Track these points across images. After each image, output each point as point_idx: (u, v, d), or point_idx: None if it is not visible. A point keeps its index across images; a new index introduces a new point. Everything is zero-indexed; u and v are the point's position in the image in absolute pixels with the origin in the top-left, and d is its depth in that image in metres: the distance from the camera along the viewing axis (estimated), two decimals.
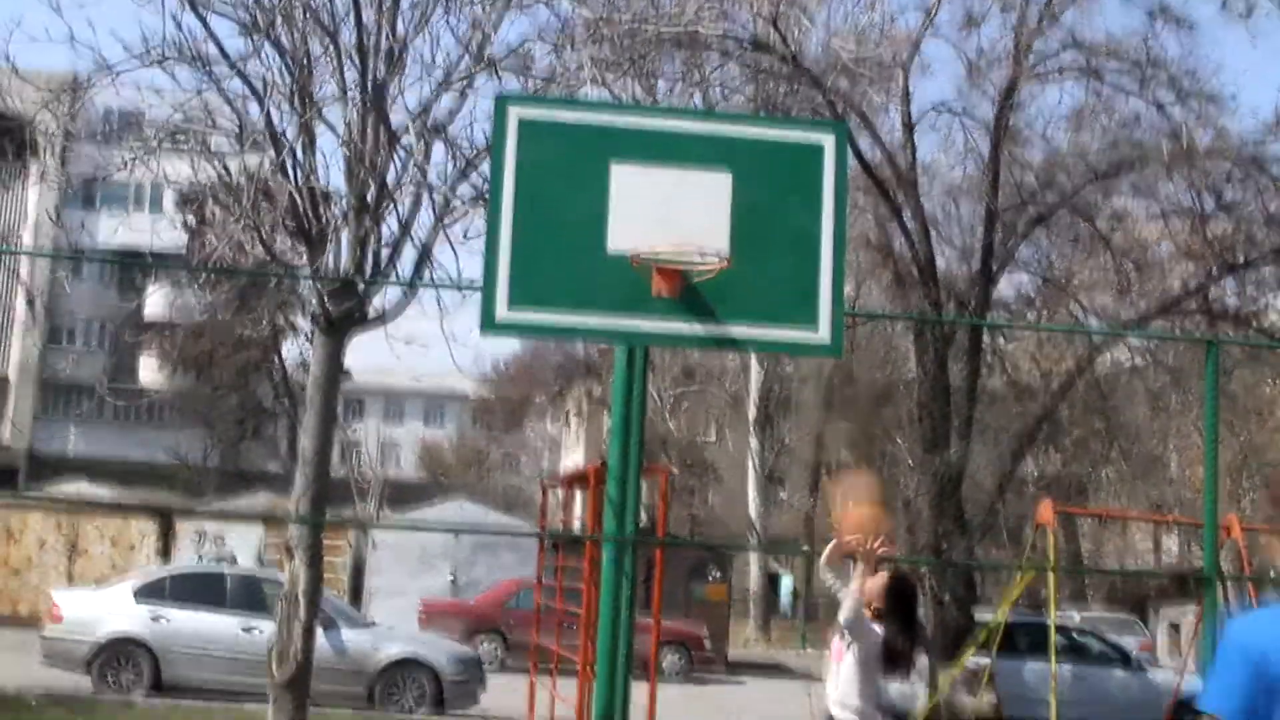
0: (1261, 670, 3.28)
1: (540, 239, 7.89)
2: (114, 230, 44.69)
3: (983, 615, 17.23)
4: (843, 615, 7.45)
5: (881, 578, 7.56)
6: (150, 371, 54.33)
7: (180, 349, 48.53)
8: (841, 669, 7.52)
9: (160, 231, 28.68)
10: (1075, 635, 20.81)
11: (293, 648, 12.26)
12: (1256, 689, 3.28)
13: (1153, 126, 18.87)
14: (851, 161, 16.98)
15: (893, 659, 7.47)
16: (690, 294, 7.81)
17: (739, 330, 8.06)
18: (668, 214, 7.77)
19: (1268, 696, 3.25)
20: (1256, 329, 19.95)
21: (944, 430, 17.52)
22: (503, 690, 17.83)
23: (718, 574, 31.15)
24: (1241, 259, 18.96)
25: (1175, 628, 38.58)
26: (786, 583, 54.31)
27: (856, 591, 7.38)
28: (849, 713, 7.47)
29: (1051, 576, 13.68)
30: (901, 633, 7.51)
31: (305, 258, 12.26)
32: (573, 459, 59.45)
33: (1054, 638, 13.20)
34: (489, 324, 7.80)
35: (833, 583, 7.79)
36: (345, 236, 12.30)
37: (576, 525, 24.62)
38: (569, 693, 11.50)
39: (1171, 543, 48.00)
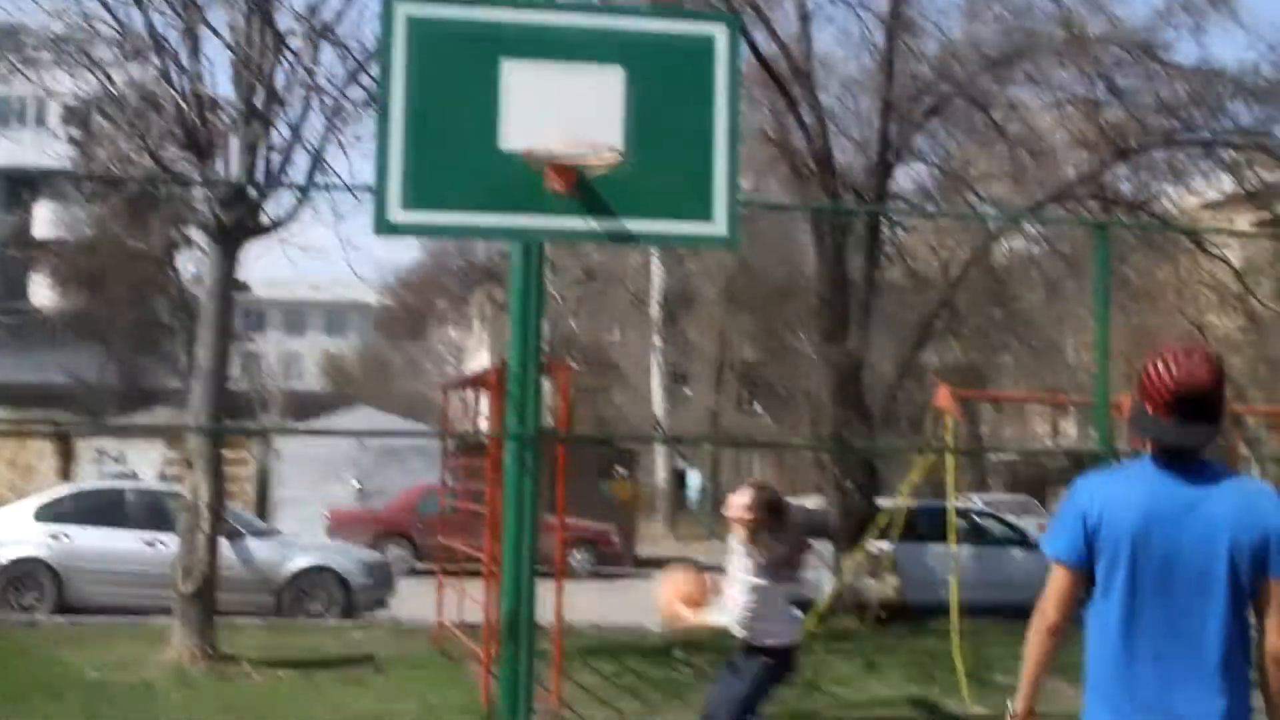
0: (1086, 522, 4.09)
1: (432, 139, 7.81)
2: None
3: (885, 503, 17.50)
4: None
5: (748, 494, 7.63)
6: (42, 291, 53.21)
7: (71, 266, 47.52)
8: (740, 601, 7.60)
9: (46, 146, 28.00)
10: (975, 518, 21.22)
11: (197, 559, 12.22)
12: (1084, 538, 4.09)
13: (1045, 14, 18.95)
14: (747, 55, 16.89)
15: (784, 568, 7.55)
16: (585, 190, 7.77)
17: (635, 225, 8.04)
18: (560, 111, 7.71)
19: (1090, 544, 4.08)
20: (1149, 215, 20.24)
21: (843, 321, 17.65)
22: (412, 594, 17.90)
23: (624, 472, 31.36)
24: (1134, 145, 19.17)
25: None
26: (694, 478, 54.80)
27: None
28: (763, 624, 7.57)
29: (950, 460, 13.90)
30: (783, 541, 7.58)
31: (195, 167, 12.06)
32: (477, 364, 59.29)
33: (954, 521, 13.45)
34: (383, 226, 7.72)
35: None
36: (235, 143, 12.11)
37: (483, 427, 24.60)
38: (478, 594, 11.57)
39: (1069, 427, 49.04)
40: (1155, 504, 4.04)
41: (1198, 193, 25.44)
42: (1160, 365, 4.11)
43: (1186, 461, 4.08)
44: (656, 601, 7.75)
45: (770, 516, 7.54)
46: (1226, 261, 23.83)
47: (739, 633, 7.53)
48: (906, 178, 21.25)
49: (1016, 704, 4.38)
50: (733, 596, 7.49)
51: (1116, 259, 20.09)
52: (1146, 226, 19.65)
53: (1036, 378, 36.14)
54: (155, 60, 12.04)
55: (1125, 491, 4.10)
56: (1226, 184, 24.52)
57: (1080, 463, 41.42)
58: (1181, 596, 4.01)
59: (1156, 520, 4.02)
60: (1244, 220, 32.10)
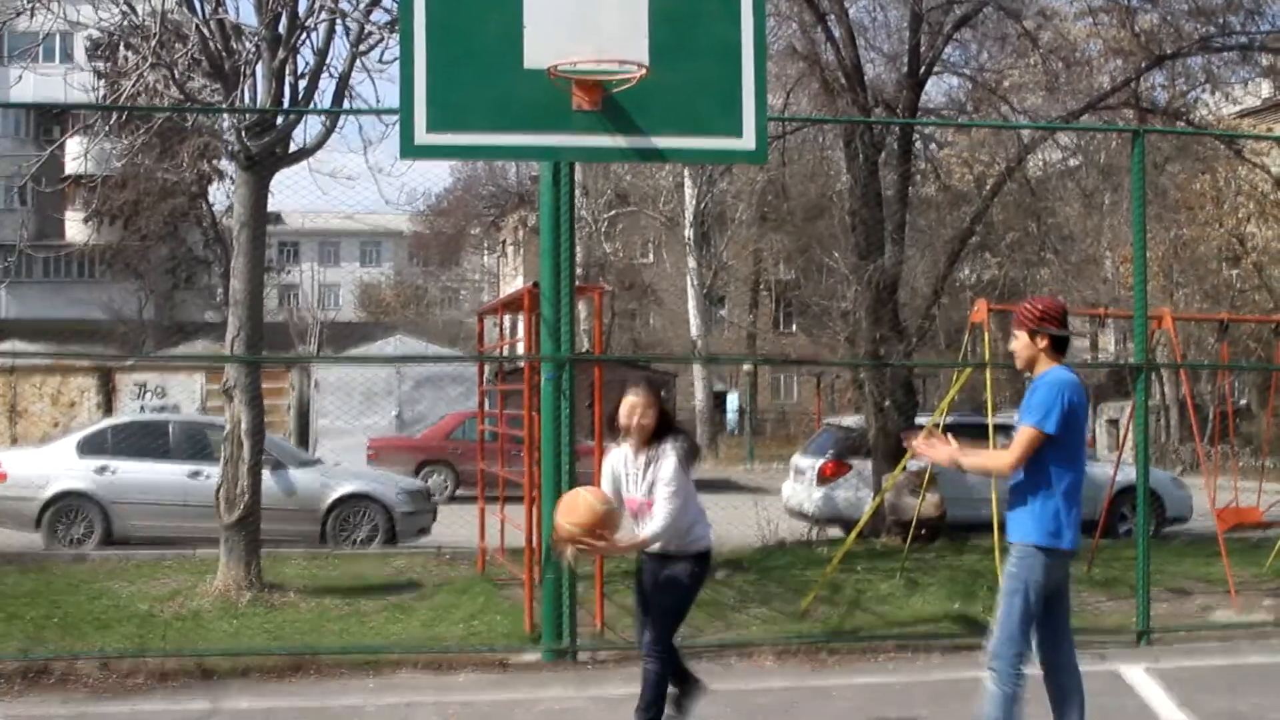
0: (1066, 408, 6.51)
1: (455, 60, 7.73)
2: (19, 78, 43.56)
3: (924, 420, 17.43)
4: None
5: (638, 393, 7.27)
6: (76, 226, 53.43)
7: (104, 201, 47.71)
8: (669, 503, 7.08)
9: (72, 80, 27.97)
10: (1014, 434, 21.08)
11: (239, 488, 12.29)
12: (1066, 416, 6.52)
13: None
14: None
15: (694, 459, 7.25)
16: (611, 106, 7.70)
17: (662, 141, 7.96)
18: (584, 24, 7.62)
19: (1070, 420, 6.53)
20: (1186, 123, 19.94)
21: (877, 237, 17.49)
22: (453, 520, 18.00)
23: (662, 394, 31.38)
24: (1169, 52, 18.83)
25: (1114, 423, 39.35)
26: (732, 400, 54.84)
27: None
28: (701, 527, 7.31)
29: (988, 374, 13.80)
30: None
31: (221, 95, 12.00)
32: (511, 290, 59.32)
33: (993, 436, 13.37)
34: (408, 149, 7.68)
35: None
36: (260, 70, 12.04)
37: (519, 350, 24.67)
38: (520, 518, 11.62)
39: (1108, 341, 48.70)
40: (1079, 392, 6.58)
41: (1236, 100, 25.07)
42: (1045, 303, 6.76)
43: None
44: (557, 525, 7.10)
45: (662, 405, 7.27)
46: (1265, 170, 23.50)
47: (672, 543, 7.14)
48: (939, 91, 20.95)
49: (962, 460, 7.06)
50: (664, 506, 7.02)
51: (1153, 168, 19.84)
52: (1181, 131, 19.34)
53: (1074, 292, 35.87)
54: None
55: (1074, 384, 6.57)
56: (1265, 90, 24.16)
57: (1121, 380, 41.21)
58: (1082, 450, 6.66)
59: (1081, 403, 6.58)
60: None
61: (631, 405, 7.16)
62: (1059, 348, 6.70)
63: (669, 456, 7.09)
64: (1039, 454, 6.55)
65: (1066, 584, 6.79)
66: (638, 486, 7.15)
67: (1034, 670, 6.74)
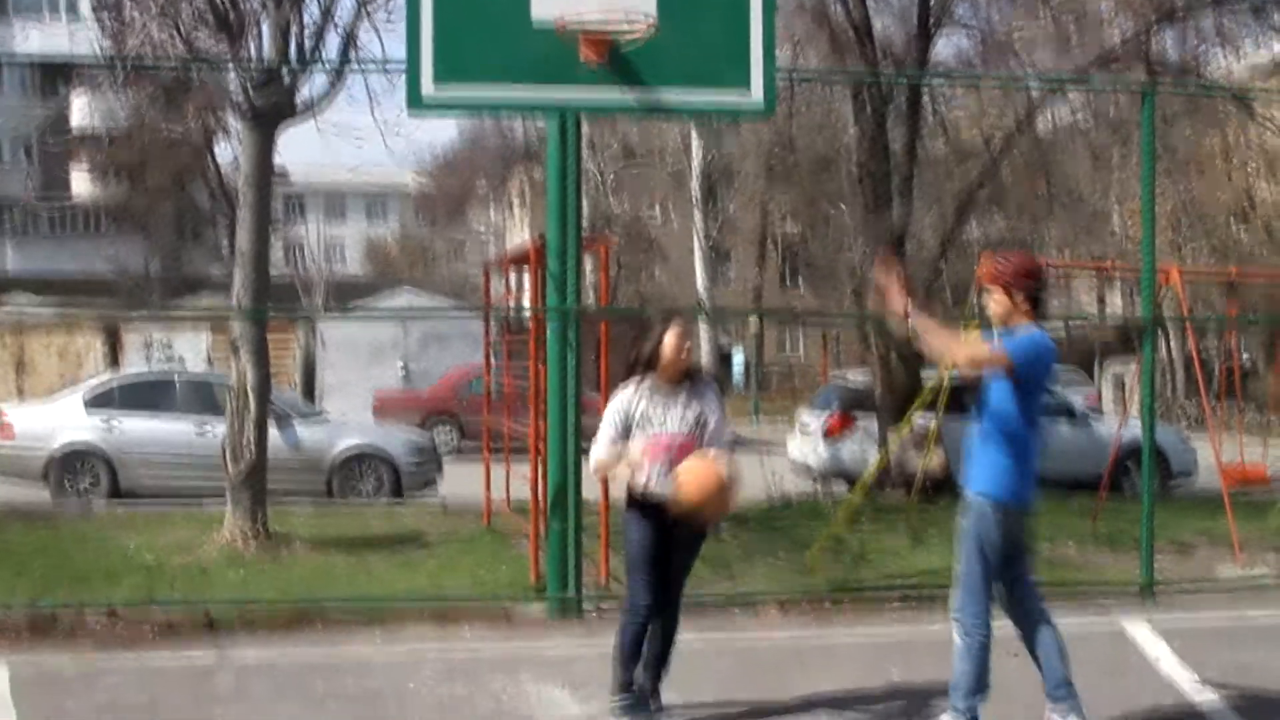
0: (1041, 361, 6.55)
1: (463, 12, 7.72)
2: (26, 36, 43.49)
3: (930, 376, 17.42)
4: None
5: (678, 329, 6.97)
6: (82, 182, 53.31)
7: (110, 156, 47.56)
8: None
9: (77, 36, 27.95)
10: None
11: (245, 442, 12.33)
12: (1036, 368, 6.53)
13: None
14: None
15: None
16: (619, 60, 7.68)
17: (670, 95, 7.95)
18: None
19: (1037, 375, 6.57)
20: (1198, 82, 19.81)
21: (884, 192, 17.46)
22: (459, 474, 18.05)
23: None
24: (1180, 8, 18.68)
25: (1119, 379, 39.33)
26: (738, 357, 54.83)
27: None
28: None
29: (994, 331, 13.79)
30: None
31: (227, 50, 11.97)
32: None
33: None
34: (415, 102, 7.67)
35: None
36: (266, 25, 12.00)
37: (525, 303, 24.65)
38: (526, 472, 11.65)
39: (1115, 298, 48.62)
40: (1052, 356, 6.65)
41: (1249, 56, 24.89)
42: (1019, 258, 6.81)
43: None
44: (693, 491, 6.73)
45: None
46: (1275, 129, 23.35)
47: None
48: (948, 47, 20.83)
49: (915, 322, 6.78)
50: (724, 451, 6.89)
51: (1163, 125, 19.73)
52: (1192, 90, 19.22)
53: (1082, 248, 35.79)
54: None
55: (1050, 348, 6.60)
56: (1278, 48, 23.99)
57: (1128, 338, 41.14)
58: (1041, 413, 6.69)
59: (1049, 370, 6.67)
60: None
61: (681, 334, 6.92)
62: (1036, 306, 6.64)
63: (714, 389, 7.04)
64: (1002, 405, 6.52)
65: (1024, 538, 6.81)
66: (678, 422, 6.88)
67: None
